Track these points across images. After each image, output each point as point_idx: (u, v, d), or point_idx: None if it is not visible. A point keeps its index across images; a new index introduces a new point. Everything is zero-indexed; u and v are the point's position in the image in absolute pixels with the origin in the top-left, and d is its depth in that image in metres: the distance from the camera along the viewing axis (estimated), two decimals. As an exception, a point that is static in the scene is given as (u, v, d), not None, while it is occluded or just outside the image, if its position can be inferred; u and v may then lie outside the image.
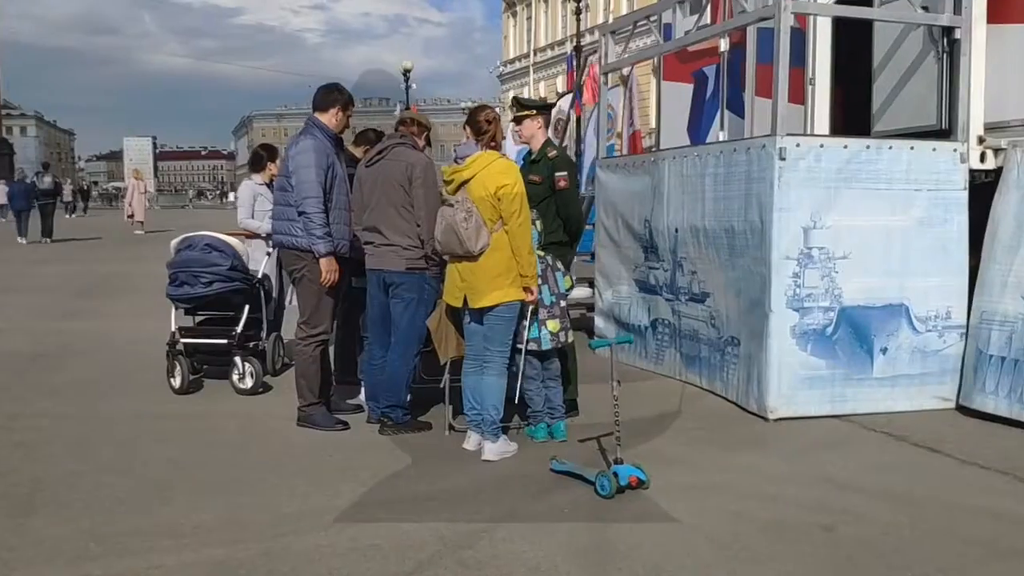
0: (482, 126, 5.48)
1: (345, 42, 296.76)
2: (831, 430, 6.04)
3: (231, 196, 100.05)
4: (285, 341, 7.65)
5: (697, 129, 10.37)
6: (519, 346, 5.44)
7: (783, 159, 6.09)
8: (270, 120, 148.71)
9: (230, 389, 6.90)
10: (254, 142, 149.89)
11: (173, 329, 6.95)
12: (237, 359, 6.81)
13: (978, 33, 6.45)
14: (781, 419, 6.19)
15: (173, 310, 7.02)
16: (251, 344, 6.98)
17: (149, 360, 7.48)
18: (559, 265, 5.70)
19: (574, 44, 28.07)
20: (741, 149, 6.49)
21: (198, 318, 7.23)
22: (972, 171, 6.51)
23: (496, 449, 5.32)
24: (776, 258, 6.13)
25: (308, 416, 5.91)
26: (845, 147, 6.26)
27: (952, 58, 6.51)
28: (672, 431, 6.05)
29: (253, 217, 7.66)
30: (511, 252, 5.23)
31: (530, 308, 5.41)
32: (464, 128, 5.64)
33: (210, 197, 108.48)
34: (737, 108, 9.44)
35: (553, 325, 5.56)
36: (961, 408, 6.39)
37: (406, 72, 51.93)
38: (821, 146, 6.20)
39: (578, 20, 34.51)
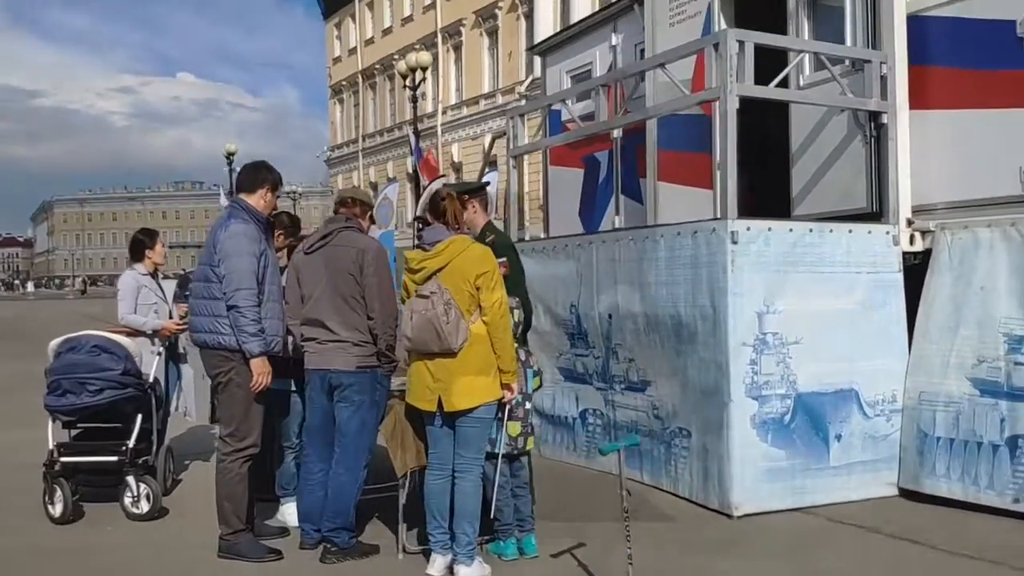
0: (438, 206, 4.97)
1: (153, 125, 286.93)
2: (801, 525, 5.76)
3: (29, 286, 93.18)
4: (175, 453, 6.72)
5: (590, 214, 10.21)
6: (493, 451, 4.87)
7: (735, 243, 5.89)
8: (72, 205, 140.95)
9: (119, 514, 5.90)
10: (55, 228, 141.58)
11: (51, 446, 5.91)
12: (130, 479, 5.85)
13: (902, 118, 6.56)
14: (746, 515, 5.87)
15: (50, 423, 5.99)
16: (143, 460, 6.02)
17: (15, 482, 6.35)
18: (531, 362, 5.21)
19: (413, 129, 28.04)
20: (686, 233, 6.26)
21: (74, 431, 6.21)
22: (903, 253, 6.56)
23: (473, 573, 4.68)
24: (733, 345, 5.88)
25: (233, 546, 5.06)
26: (791, 230, 6.16)
27: (879, 142, 6.59)
28: (638, 534, 5.57)
29: (136, 312, 6.73)
30: (489, 345, 4.70)
31: (506, 408, 4.87)
32: (425, 215, 5.10)
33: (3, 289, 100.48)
34: (634, 193, 9.35)
35: (513, 428, 5.02)
36: (905, 492, 6.28)
37: (230, 155, 50.44)
38: (769, 229, 6.06)
39: (415, 106, 34.64)
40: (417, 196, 31.18)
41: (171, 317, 6.88)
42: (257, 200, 5.27)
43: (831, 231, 6.27)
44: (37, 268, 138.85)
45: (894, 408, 6.34)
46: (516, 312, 5.08)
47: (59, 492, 5.74)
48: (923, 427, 6.18)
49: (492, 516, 4.91)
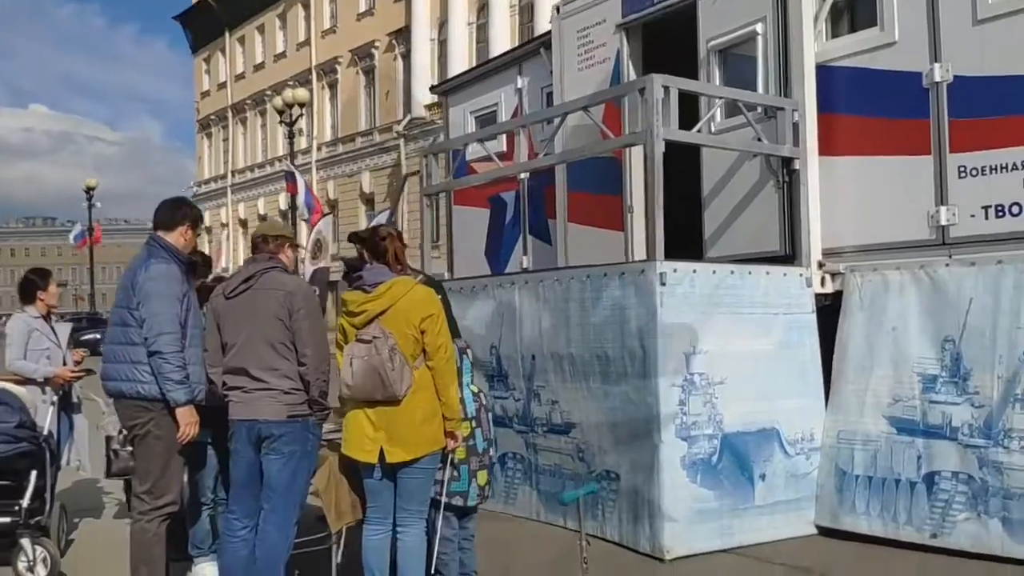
0: (378, 245, 4.77)
1: (2, 158, 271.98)
2: (734, 567, 5.78)
3: None
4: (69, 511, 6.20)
5: (497, 254, 10.18)
6: (438, 499, 4.67)
7: (664, 284, 5.92)
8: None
9: (11, 581, 5.39)
10: None
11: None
12: (25, 542, 5.34)
13: (812, 164, 6.78)
14: (677, 558, 5.84)
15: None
16: (35, 520, 5.52)
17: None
18: (489, 404, 5.05)
19: (292, 162, 27.56)
20: (613, 274, 6.25)
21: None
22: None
23: (422, 634, 4.46)
24: (663, 386, 5.89)
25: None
26: (714, 272, 6.24)
27: (791, 187, 6.78)
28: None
29: (26, 358, 6.22)
30: (433, 392, 4.52)
31: (451, 456, 4.69)
32: (359, 253, 4.89)
33: None
34: (541, 234, 9.37)
35: (484, 477, 4.85)
36: (823, 530, 6.40)
37: (89, 190, 48.31)
38: (694, 271, 6.12)
39: (291, 141, 34.07)
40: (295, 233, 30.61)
41: (65, 363, 6.40)
42: (176, 238, 4.95)
43: (750, 273, 6.39)
44: None
45: (813, 447, 6.47)
46: (470, 351, 4.93)
47: (-56, 559, 5.20)
48: (841, 465, 6.32)
49: (434, 571, 4.70)
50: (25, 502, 5.43)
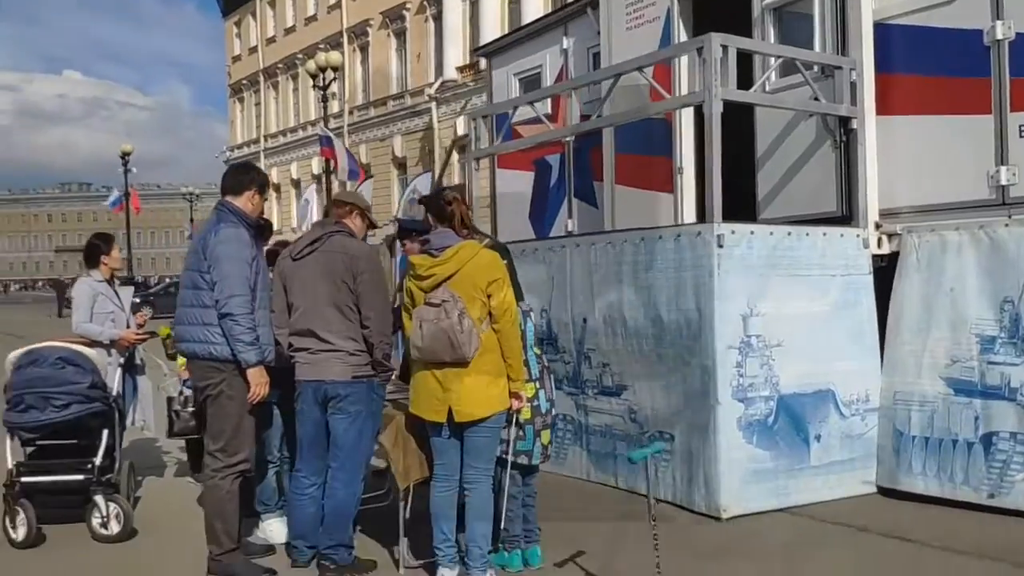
0: (443, 209, 4.81)
1: (37, 124, 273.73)
2: (789, 526, 5.82)
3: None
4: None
5: (541, 218, 10.19)
6: (504, 457, 4.75)
7: (721, 246, 5.91)
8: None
9: (84, 537, 5.54)
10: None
11: (11, 465, 5.50)
12: (99, 499, 5.48)
13: (870, 123, 6.71)
14: (733, 517, 5.89)
15: (8, 441, 5.58)
16: (107, 477, 5.67)
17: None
18: (553, 366, 5.11)
19: (325, 126, 27.66)
20: (668, 236, 6.25)
21: (29, 448, 5.80)
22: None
23: (486, 588, 4.56)
24: (720, 348, 5.90)
25: (225, 567, 4.79)
26: (771, 234, 6.21)
27: (848, 147, 6.72)
28: (634, 542, 5.53)
29: (92, 321, 6.35)
30: (499, 353, 4.58)
31: (515, 416, 4.76)
32: (427, 217, 4.94)
33: None
34: (587, 196, 9.36)
35: (547, 436, 4.93)
36: (883, 490, 6.42)
37: (125, 155, 48.68)
38: (752, 233, 6.11)
39: (324, 105, 34.06)
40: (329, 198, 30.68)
41: (128, 326, 6.54)
42: (244, 203, 5.02)
43: (807, 234, 6.36)
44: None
45: (868, 407, 6.47)
46: (532, 316, 4.98)
47: (22, 515, 5.35)
48: (898, 426, 6.32)
49: (502, 527, 4.80)
50: (98, 460, 5.57)
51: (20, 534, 5.36)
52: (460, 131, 37.51)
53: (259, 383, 4.78)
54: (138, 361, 6.63)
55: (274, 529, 5.49)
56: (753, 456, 5.98)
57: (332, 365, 4.82)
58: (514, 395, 4.66)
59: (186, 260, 5.01)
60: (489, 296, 4.56)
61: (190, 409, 6.74)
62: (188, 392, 6.74)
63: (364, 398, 4.85)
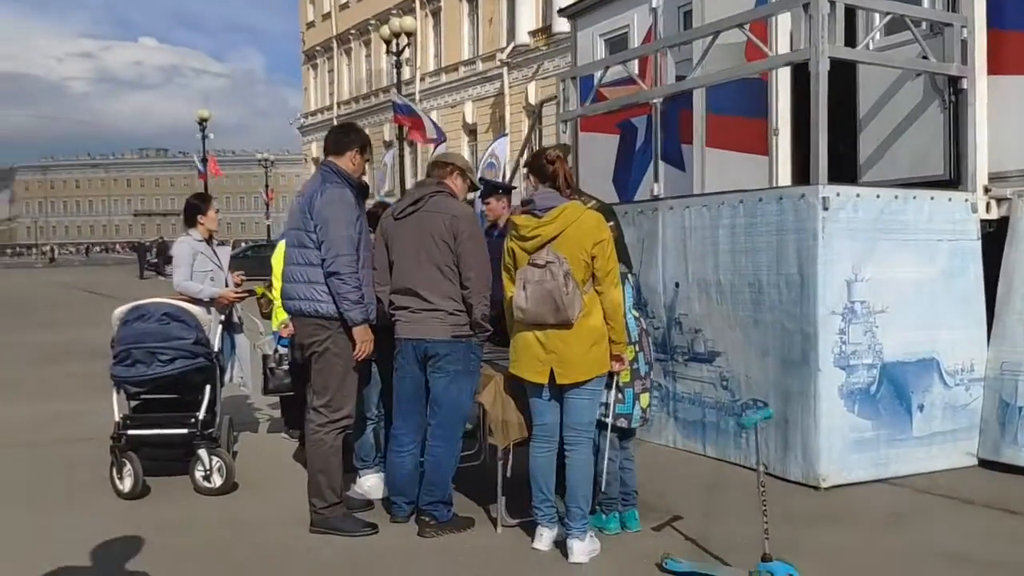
0: (545, 168, 4.75)
1: (115, 91, 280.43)
2: (891, 497, 5.69)
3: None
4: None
5: (626, 182, 10.04)
6: (604, 420, 4.71)
7: (826, 209, 5.75)
8: (34, 172, 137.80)
9: (186, 489, 5.68)
10: (16, 195, 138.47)
11: (118, 418, 5.65)
12: (202, 452, 5.61)
13: (980, 83, 6.44)
14: (832, 487, 5.78)
15: (115, 394, 5.73)
16: (209, 431, 5.78)
17: (66, 456, 6.12)
18: (650, 329, 5.04)
19: (399, 92, 27.68)
20: (770, 199, 6.10)
21: (133, 402, 5.95)
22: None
23: (586, 548, 4.53)
24: (823, 314, 5.76)
25: (328, 520, 4.87)
26: (877, 197, 6.02)
27: (958, 108, 6.46)
28: (731, 509, 5.46)
29: (191, 279, 6.47)
30: (602, 316, 4.53)
31: (616, 379, 4.71)
32: (527, 177, 4.89)
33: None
34: (674, 159, 9.18)
35: (646, 399, 4.88)
36: (983, 463, 6.24)
37: (203, 121, 49.52)
38: (858, 196, 5.92)
39: (398, 71, 34.13)
40: (402, 163, 30.82)
41: (227, 285, 6.65)
42: (346, 163, 5.04)
43: (914, 198, 6.15)
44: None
45: (972, 377, 6.27)
46: (632, 278, 4.92)
47: (128, 466, 5.50)
48: (1005, 397, 6.12)
49: (601, 489, 4.77)
50: (201, 415, 5.69)
51: (127, 485, 5.51)
52: (532, 97, 37.34)
53: (364, 341, 4.82)
54: (236, 319, 6.73)
55: (372, 484, 5.56)
56: (854, 425, 5.84)
57: (432, 324, 4.83)
58: (615, 358, 4.61)
59: (290, 219, 5.05)
60: (593, 258, 4.50)
61: (285, 367, 6.85)
62: (283, 350, 6.85)
63: (462, 357, 4.85)
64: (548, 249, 4.51)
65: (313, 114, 58.18)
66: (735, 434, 6.40)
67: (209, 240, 6.65)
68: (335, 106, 54.30)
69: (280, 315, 6.89)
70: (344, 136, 5.09)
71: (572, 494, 4.54)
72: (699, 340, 6.72)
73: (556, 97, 9.22)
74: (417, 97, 42.67)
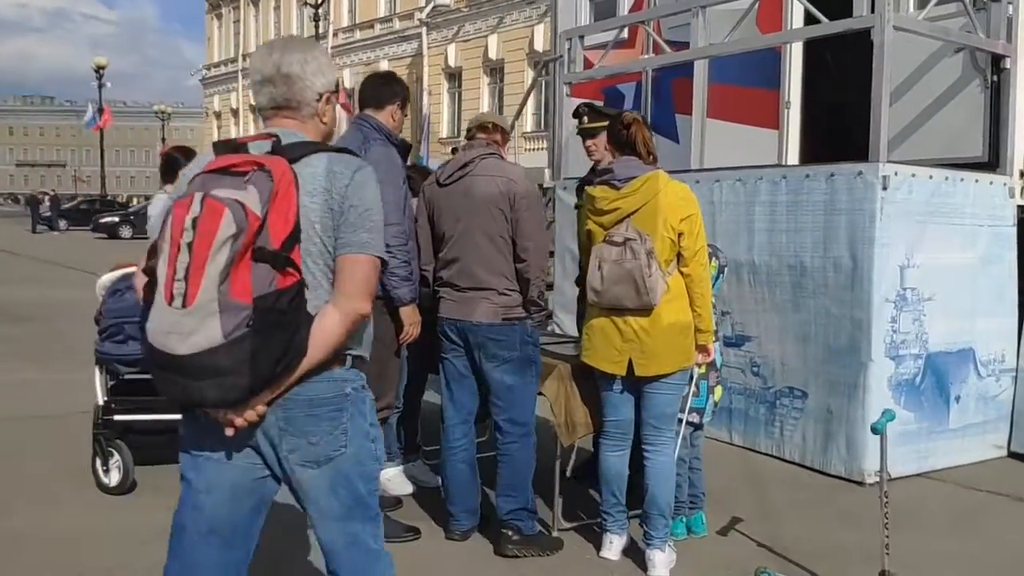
0: (621, 134, 4.22)
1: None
2: (942, 493, 5.44)
3: None
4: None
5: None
6: (679, 416, 4.26)
7: (885, 188, 5.40)
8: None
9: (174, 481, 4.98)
10: None
11: (100, 401, 4.91)
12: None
13: (1021, 63, 6.19)
14: (877, 483, 5.47)
15: (98, 374, 4.97)
16: (202, 417, 5.08)
17: (46, 440, 5.35)
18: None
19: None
20: (819, 176, 5.72)
21: (112, 383, 5.19)
22: (1013, 206, 6.25)
23: (667, 560, 4.09)
24: (877, 301, 5.43)
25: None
26: (930, 177, 5.71)
27: (1000, 87, 6.20)
28: (785, 508, 5.11)
29: (172, 243, 5.71)
30: (687, 301, 4.05)
31: (695, 371, 4.26)
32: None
33: None
34: (668, 131, 8.75)
35: (719, 393, 4.45)
36: (1013, 455, 6.08)
37: (99, 69, 46.89)
38: (913, 175, 5.60)
39: (316, 25, 32.80)
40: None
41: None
42: (387, 118, 4.40)
43: (962, 180, 5.87)
44: None
45: (1003, 368, 6.09)
46: (721, 258, 4.46)
47: (116, 457, 4.77)
48: (1039, 389, 5.95)
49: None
50: (197, 399, 4.98)
51: (114, 479, 4.79)
52: (452, 60, 36.52)
53: (412, 323, 4.24)
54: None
55: (394, 480, 4.99)
56: (901, 418, 5.51)
57: (479, 305, 4.23)
58: (701, 348, 4.14)
59: (324, 181, 4.38)
60: (680, 235, 4.01)
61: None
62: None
63: (516, 343, 4.26)
64: (628, 224, 4.00)
65: (216, 66, 55.87)
66: (766, 422, 6.07)
67: (190, 199, 5.88)
68: (240, 58, 52.18)
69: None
70: (385, 87, 4.45)
71: (653, 501, 4.07)
72: (726, 323, 6.31)
73: (555, 55, 8.64)
74: (329, 53, 41.24)
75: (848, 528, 4.79)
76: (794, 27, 7.51)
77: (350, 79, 40.94)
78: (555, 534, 4.44)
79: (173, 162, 5.82)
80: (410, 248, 4.26)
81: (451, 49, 36.57)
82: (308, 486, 2.40)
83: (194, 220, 2.08)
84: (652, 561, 4.05)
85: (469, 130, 4.59)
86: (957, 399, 5.86)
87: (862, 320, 5.46)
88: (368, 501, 2.45)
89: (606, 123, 4.91)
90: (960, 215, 5.82)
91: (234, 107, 52.83)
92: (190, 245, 2.06)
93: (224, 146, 2.31)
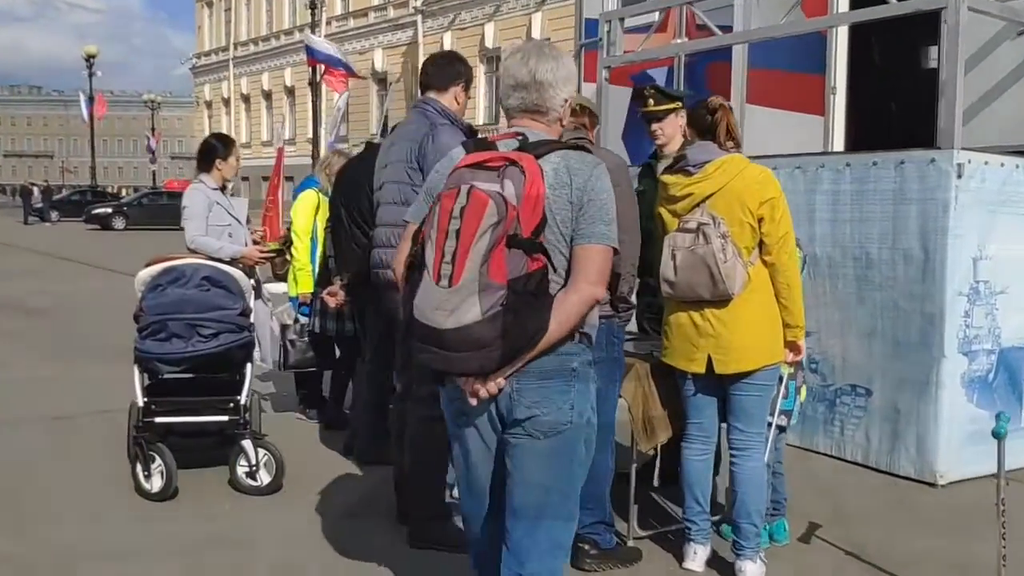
0: (705, 119, 3.97)
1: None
2: (1014, 495, 5.19)
3: None
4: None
5: (638, 140, 9.28)
6: (769, 420, 4.00)
7: (960, 177, 5.16)
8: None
9: (221, 488, 4.72)
10: None
11: (141, 403, 4.62)
12: (247, 444, 4.63)
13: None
14: (950, 483, 5.26)
15: (137, 374, 4.68)
16: (248, 416, 4.80)
17: (84, 443, 5.07)
18: None
19: (311, 32, 26.17)
20: (886, 163, 5.46)
21: (147, 381, 4.91)
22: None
23: (759, 571, 3.85)
24: (950, 295, 5.19)
25: (431, 534, 4.01)
26: (1002, 165, 5.46)
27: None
28: (857, 511, 4.87)
29: (207, 234, 5.42)
30: (772, 293, 3.79)
31: (784, 370, 4.00)
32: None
33: None
34: (700, 116, 8.50)
35: (804, 393, 4.21)
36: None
37: (90, 58, 46.40)
38: (986, 163, 5.35)
39: (312, 13, 32.41)
40: (315, 110, 29.20)
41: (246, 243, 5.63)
42: (450, 100, 4.13)
43: (1029, 167, 5.63)
44: None
45: (1068, 364, 5.86)
46: (801, 248, 4.20)
47: (159, 461, 4.49)
48: (1105, 386, 5.72)
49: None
50: (242, 398, 4.71)
51: (156, 484, 4.51)
52: (448, 48, 36.14)
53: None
54: (252, 283, 5.72)
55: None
56: (974, 416, 5.33)
57: None
58: (790, 344, 3.89)
59: (386, 170, 4.11)
60: (760, 220, 3.75)
61: (305, 339, 5.92)
62: (304, 320, 5.92)
63: (603, 342, 3.99)
64: (703, 209, 3.75)
65: (207, 54, 55.34)
66: (824, 421, 5.82)
67: (223, 189, 5.59)
68: (231, 47, 51.73)
69: (302, 279, 5.94)
70: (449, 67, 4.18)
71: (742, 508, 3.83)
72: (779, 317, 6.07)
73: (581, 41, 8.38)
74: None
75: (929, 534, 4.56)
76: (839, 11, 7.29)
77: (344, 68, 40.48)
78: (630, 543, 4.18)
79: (211, 150, 5.56)
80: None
81: (447, 37, 36.22)
82: (526, 456, 2.51)
83: (462, 209, 2.31)
84: (743, 572, 3.81)
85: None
86: (1026, 396, 5.64)
87: (934, 314, 5.21)
88: (571, 487, 2.58)
89: (675, 105, 4.66)
90: (1028, 204, 5.58)
91: (225, 96, 52.33)
92: (457, 232, 2.29)
93: (476, 144, 2.59)
